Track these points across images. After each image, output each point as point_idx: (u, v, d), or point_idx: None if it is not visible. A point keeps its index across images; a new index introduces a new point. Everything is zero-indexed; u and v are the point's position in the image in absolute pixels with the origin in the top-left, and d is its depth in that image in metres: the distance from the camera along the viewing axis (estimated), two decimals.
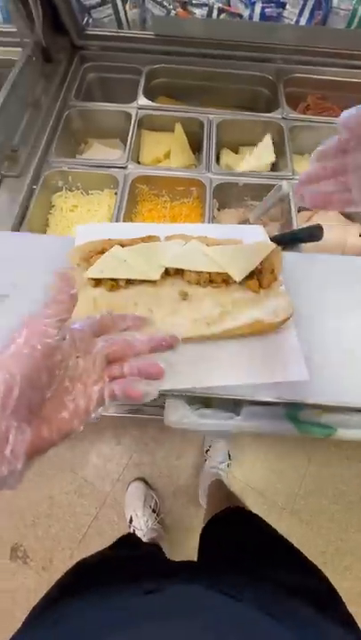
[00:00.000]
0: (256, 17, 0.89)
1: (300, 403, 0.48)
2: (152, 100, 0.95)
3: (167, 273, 0.55)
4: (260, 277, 0.54)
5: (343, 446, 1.27)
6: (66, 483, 1.26)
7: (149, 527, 1.11)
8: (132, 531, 1.13)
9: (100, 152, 0.96)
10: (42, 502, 1.23)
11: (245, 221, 0.84)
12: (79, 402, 0.28)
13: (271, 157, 0.90)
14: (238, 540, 0.60)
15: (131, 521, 1.15)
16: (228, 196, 0.84)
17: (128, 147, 0.85)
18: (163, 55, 0.99)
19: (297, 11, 0.88)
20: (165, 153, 0.93)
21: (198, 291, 0.53)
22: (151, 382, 0.29)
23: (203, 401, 0.55)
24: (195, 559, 0.60)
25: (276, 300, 0.52)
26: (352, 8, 0.87)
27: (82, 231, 0.63)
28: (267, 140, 0.92)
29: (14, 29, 0.89)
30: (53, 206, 0.84)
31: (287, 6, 0.89)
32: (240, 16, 0.90)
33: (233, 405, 0.54)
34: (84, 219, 0.82)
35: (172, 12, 0.92)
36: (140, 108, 0.93)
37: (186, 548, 1.13)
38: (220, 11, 0.90)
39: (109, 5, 0.93)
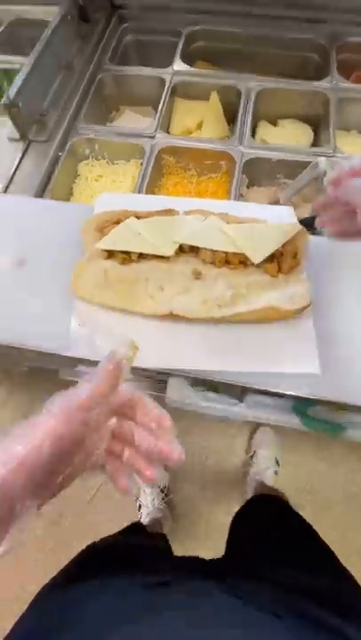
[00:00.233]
0: None
1: (308, 397, 0.46)
2: (190, 65, 0.90)
3: (182, 250, 0.52)
4: (280, 261, 0.50)
5: (355, 445, 1.21)
6: None
7: (155, 506, 1.10)
8: (137, 505, 1.14)
9: (131, 120, 0.93)
10: None
11: (276, 202, 0.79)
12: (77, 470, 0.26)
13: (309, 133, 0.83)
14: (267, 533, 0.59)
15: (137, 496, 1.16)
16: (260, 173, 0.79)
17: (158, 115, 0.81)
18: (204, 14, 0.92)
19: None
20: (198, 123, 0.88)
21: (213, 271, 0.51)
22: (138, 480, 0.28)
23: (208, 384, 0.53)
24: (196, 547, 0.60)
25: (295, 286, 0.48)
26: None
27: (101, 200, 0.62)
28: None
29: None
30: (78, 175, 0.83)
31: None
32: None
33: (240, 392, 0.52)
34: (109, 189, 0.80)
35: None
36: (175, 74, 0.88)
37: (188, 535, 1.13)
38: None
39: None
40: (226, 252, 0.50)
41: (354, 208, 0.35)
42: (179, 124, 0.88)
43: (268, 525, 0.63)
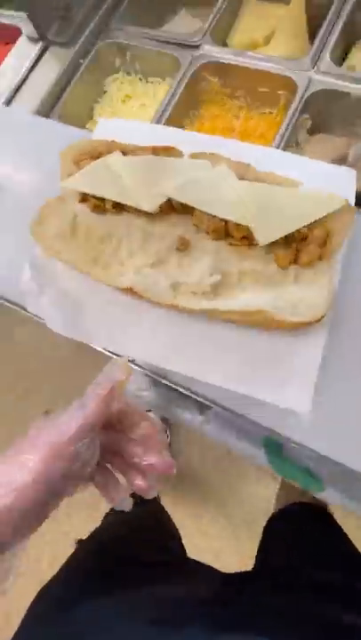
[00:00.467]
0: None
1: (285, 437, 0.34)
2: None
3: (173, 207, 0.39)
4: (300, 248, 0.35)
5: None
6: None
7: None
8: None
9: (186, 25, 0.72)
10: None
11: (343, 158, 0.58)
12: (67, 494, 0.26)
13: None
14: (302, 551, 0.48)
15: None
16: (330, 114, 0.57)
17: (212, 17, 0.61)
18: None
19: None
20: (268, 34, 0.66)
21: (204, 243, 0.37)
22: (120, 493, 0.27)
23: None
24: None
25: (307, 289, 0.33)
26: None
27: (103, 125, 0.49)
28: None
29: None
30: (105, 92, 0.68)
31: None
32: None
33: (198, 404, 0.41)
34: (135, 115, 0.65)
35: None
36: None
37: (186, 502, 1.09)
38: None
39: None
40: (226, 221, 0.36)
41: None
42: (243, 34, 0.66)
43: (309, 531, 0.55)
